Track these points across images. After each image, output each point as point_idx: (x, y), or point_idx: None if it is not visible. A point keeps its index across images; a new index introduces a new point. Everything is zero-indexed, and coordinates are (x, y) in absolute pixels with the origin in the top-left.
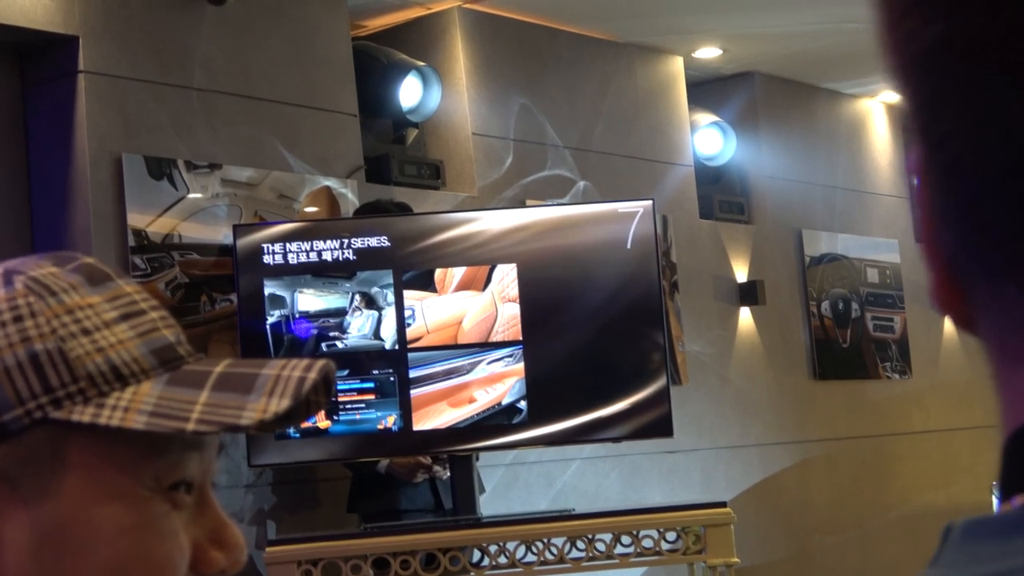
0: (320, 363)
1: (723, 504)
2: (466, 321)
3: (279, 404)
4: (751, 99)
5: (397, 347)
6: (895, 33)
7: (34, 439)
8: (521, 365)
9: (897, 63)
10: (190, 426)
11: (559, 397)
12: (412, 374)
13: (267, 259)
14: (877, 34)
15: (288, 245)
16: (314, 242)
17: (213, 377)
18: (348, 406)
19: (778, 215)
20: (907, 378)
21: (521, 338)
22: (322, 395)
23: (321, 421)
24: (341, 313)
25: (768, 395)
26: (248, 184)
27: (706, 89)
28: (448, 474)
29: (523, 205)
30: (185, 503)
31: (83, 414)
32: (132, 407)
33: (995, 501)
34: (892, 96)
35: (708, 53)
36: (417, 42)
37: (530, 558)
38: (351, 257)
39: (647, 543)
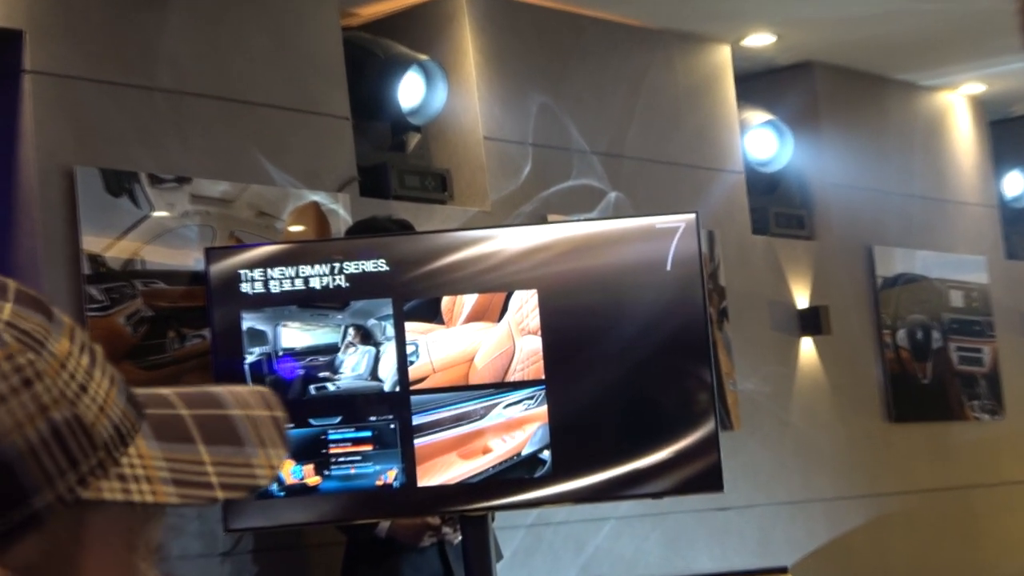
0: (268, 393)
1: (784, 570)
2: (478, 358)
3: (277, 455)
4: (811, 94)
5: (398, 389)
6: None
7: (57, 524)
8: (544, 409)
9: None
10: (220, 494)
11: (589, 446)
12: (416, 420)
13: (245, 288)
14: None
15: (269, 271)
16: (300, 267)
17: (193, 426)
18: (341, 459)
19: (844, 229)
20: (999, 419)
21: (544, 377)
22: None
23: (310, 477)
24: (332, 350)
25: (835, 441)
26: (222, 200)
27: (758, 83)
28: (459, 538)
29: (544, 221)
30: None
31: (113, 491)
32: (151, 476)
33: None
34: (976, 88)
35: (760, 40)
36: (419, 33)
37: None
38: (343, 284)
39: None
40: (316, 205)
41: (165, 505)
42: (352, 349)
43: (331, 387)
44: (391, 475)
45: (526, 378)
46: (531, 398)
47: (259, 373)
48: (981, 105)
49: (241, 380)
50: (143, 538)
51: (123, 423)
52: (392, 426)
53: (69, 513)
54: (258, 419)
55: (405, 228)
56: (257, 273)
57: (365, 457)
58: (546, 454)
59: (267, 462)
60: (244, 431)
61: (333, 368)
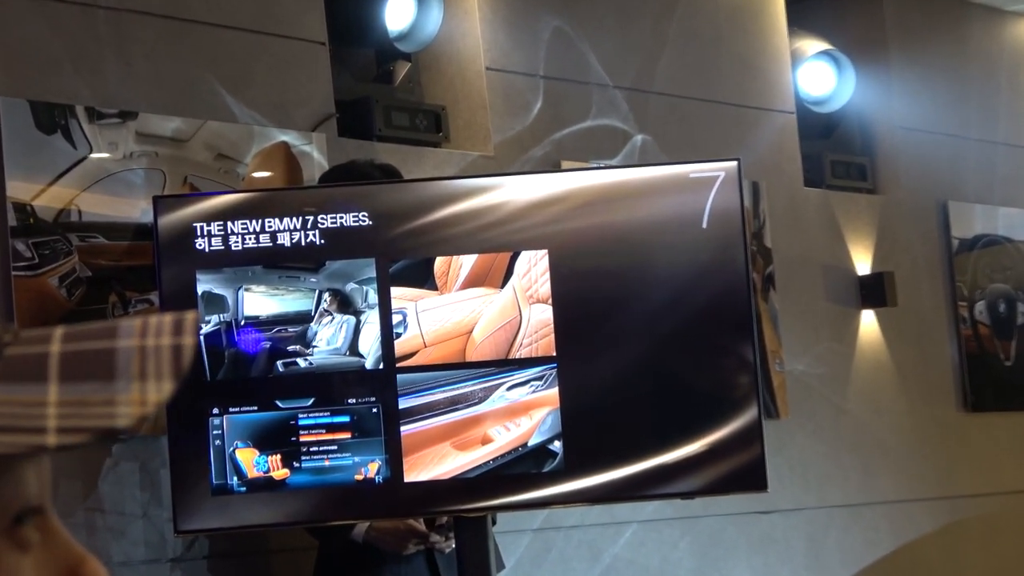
0: (189, 319)
1: None
2: (478, 330)
3: (159, 389)
4: (877, 19)
5: (382, 366)
6: None
7: None
8: (555, 391)
9: None
10: (52, 439)
11: (608, 436)
12: (403, 404)
13: (200, 244)
14: None
15: (230, 224)
16: (266, 220)
17: (54, 363)
18: (314, 448)
19: (914, 181)
20: None
21: (555, 354)
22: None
23: (276, 470)
24: (304, 319)
25: (900, 433)
26: (175, 140)
27: (814, 6)
28: (452, 544)
29: (558, 169)
30: (33, 541)
31: None
32: None
33: None
34: None
35: None
36: None
37: None
38: (317, 241)
39: None
40: (285, 146)
41: None
42: (328, 318)
43: (302, 363)
44: (373, 468)
45: (534, 355)
46: (540, 379)
47: (217, 346)
48: None
49: (195, 354)
50: None
51: None
52: (374, 410)
53: None
54: (152, 349)
55: (389, 174)
56: (215, 227)
57: (342, 447)
58: (557, 445)
59: (139, 398)
60: (124, 364)
61: (305, 341)
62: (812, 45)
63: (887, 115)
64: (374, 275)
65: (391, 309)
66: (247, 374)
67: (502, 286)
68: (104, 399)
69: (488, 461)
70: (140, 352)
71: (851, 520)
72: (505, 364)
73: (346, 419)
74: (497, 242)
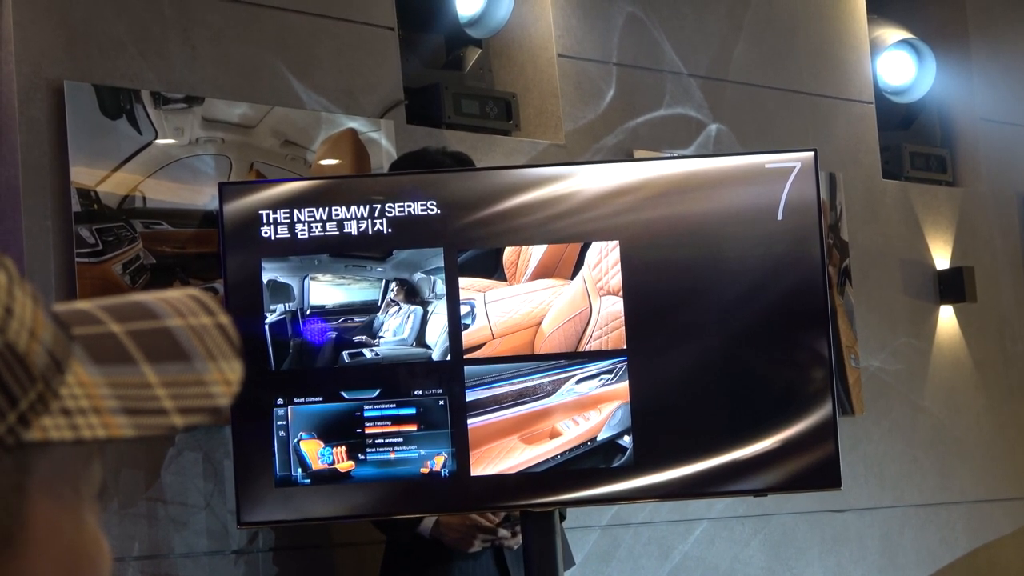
0: (206, 297)
1: None
2: (547, 322)
3: (231, 368)
4: (958, 8)
5: (449, 358)
6: None
7: None
8: (625, 385)
9: None
10: (177, 420)
11: (678, 431)
12: (470, 396)
13: (266, 232)
14: None
15: (296, 212)
16: (333, 208)
17: (130, 344)
18: (379, 441)
19: (996, 174)
20: None
21: (625, 347)
22: None
23: (341, 462)
24: (370, 309)
25: (980, 431)
26: (241, 125)
27: None
28: (520, 540)
29: (630, 158)
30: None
31: (60, 429)
32: (98, 407)
33: None
34: None
35: None
36: None
37: None
38: (385, 230)
39: None
40: (353, 133)
41: (117, 440)
42: (394, 308)
43: (368, 354)
44: (439, 461)
45: (604, 347)
46: (609, 372)
47: (282, 336)
48: None
49: (260, 342)
50: (87, 482)
51: (56, 348)
52: (441, 402)
53: (9, 460)
54: (201, 328)
55: (461, 163)
56: (281, 214)
57: (408, 439)
58: (626, 440)
59: (222, 377)
60: (189, 343)
61: (371, 331)
62: (892, 34)
63: (968, 106)
64: (442, 265)
65: (459, 300)
66: (312, 364)
67: (572, 277)
68: (194, 379)
69: (556, 455)
70: (192, 331)
71: (927, 520)
72: (574, 357)
73: (412, 411)
74: (567, 232)
